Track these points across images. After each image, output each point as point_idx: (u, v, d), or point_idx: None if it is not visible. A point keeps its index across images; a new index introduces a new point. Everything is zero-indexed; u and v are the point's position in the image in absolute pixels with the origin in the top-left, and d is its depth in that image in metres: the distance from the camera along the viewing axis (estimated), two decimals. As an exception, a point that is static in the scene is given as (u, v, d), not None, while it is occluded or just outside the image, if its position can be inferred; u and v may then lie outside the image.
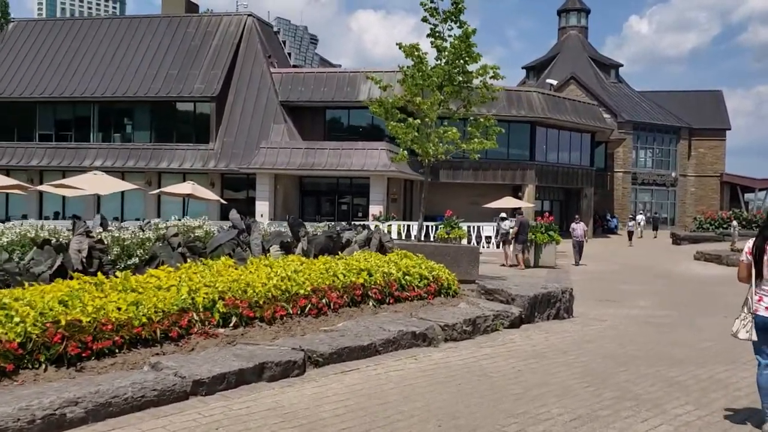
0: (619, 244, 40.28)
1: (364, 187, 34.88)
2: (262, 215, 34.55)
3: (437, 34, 15.81)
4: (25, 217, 36.86)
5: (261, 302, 7.33)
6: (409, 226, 26.03)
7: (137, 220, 34.79)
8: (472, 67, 15.86)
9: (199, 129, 37.46)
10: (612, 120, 53.69)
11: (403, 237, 25.31)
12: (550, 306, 10.62)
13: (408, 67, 15.63)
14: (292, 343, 6.70)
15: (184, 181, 37.94)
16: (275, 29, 44.94)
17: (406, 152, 16.51)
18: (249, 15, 40.39)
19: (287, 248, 8.99)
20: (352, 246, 9.97)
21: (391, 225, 26.36)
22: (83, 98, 38.52)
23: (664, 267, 24.51)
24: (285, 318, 7.49)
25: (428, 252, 15.33)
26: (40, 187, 23.81)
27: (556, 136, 43.41)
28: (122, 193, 37.84)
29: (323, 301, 8.04)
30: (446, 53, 15.43)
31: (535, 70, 67.34)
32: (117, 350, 5.85)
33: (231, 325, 6.93)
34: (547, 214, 26.67)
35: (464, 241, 24.74)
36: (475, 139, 15.53)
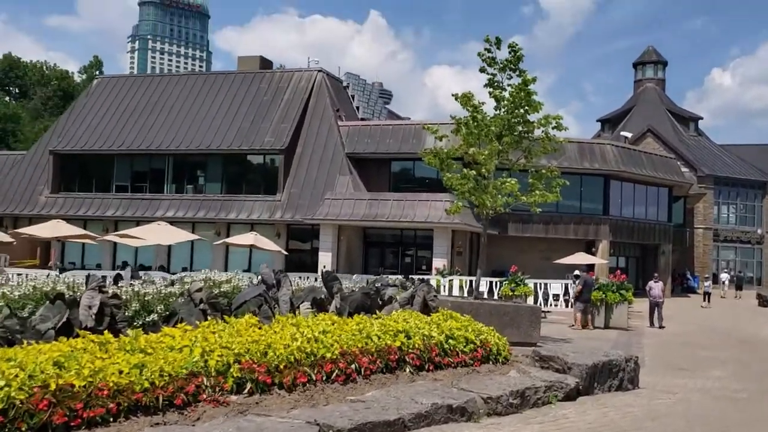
0: (698, 305, 38.00)
1: (428, 239, 34.33)
2: (324, 266, 34.26)
3: (496, 83, 15.32)
4: (99, 266, 37.83)
5: (281, 367, 6.75)
6: (471, 281, 25.13)
7: (201, 270, 34.95)
8: (533, 117, 15.26)
9: (268, 180, 37.87)
10: (691, 174, 51.59)
11: (465, 293, 24.41)
12: (611, 376, 9.63)
13: (463, 117, 15.15)
14: (308, 416, 6.06)
15: (252, 231, 38.42)
16: (345, 84, 45.50)
17: (461, 204, 15.91)
18: (319, 71, 41.03)
19: (320, 305, 8.44)
20: (393, 304, 9.33)
21: (453, 280, 25.54)
22: (159, 151, 39.65)
23: (747, 331, 22.72)
24: (308, 385, 6.88)
25: (485, 311, 14.54)
26: (106, 237, 24.20)
27: (632, 190, 41.84)
28: (192, 243, 38.49)
29: (352, 366, 7.40)
30: (505, 102, 14.89)
31: (611, 122, 65.88)
32: (112, 419, 5.36)
33: (245, 391, 6.37)
34: (618, 272, 25.31)
35: (530, 299, 23.64)
36: (537, 192, 14.79)
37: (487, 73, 15.26)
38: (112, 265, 38.50)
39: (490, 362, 9.19)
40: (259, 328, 7.38)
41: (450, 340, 8.81)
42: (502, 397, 7.70)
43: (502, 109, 15.16)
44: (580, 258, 35.43)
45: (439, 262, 32.42)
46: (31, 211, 40.27)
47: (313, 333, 7.50)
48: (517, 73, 15.02)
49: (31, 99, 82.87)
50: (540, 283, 24.32)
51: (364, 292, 9.18)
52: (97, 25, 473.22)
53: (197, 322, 7.07)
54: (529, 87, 14.64)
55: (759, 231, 56.37)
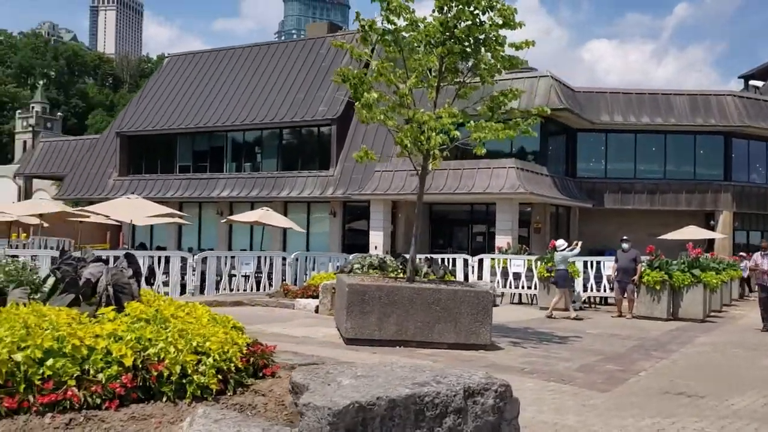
0: None
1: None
2: (376, 247, 30.44)
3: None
4: (163, 248, 36.19)
5: None
6: (505, 262, 20.16)
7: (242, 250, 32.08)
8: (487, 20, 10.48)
9: (322, 154, 34.47)
10: None
11: (498, 277, 19.58)
12: (421, 425, 5.02)
13: (368, 18, 10.71)
14: None
15: (308, 210, 35.12)
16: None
17: (368, 149, 11.55)
18: (382, 29, 36.90)
19: None
20: (22, 292, 5.31)
21: (483, 260, 20.73)
22: (217, 128, 37.45)
23: None
24: None
25: (404, 299, 10.03)
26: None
27: (763, 149, 34.31)
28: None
29: None
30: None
31: (756, 78, 56.24)
32: None
33: None
34: (690, 245, 19.28)
35: (578, 282, 18.38)
36: (471, 123, 10.02)
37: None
38: (178, 245, 36.99)
39: (164, 399, 4.90)
40: None
41: (51, 361, 4.64)
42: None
43: (447, 10, 10.51)
44: (693, 232, 29.05)
45: (502, 240, 27.48)
46: (100, 195, 39.50)
47: None
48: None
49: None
50: (592, 262, 18.94)
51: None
52: (258, 24, 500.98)
53: None
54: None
55: None
